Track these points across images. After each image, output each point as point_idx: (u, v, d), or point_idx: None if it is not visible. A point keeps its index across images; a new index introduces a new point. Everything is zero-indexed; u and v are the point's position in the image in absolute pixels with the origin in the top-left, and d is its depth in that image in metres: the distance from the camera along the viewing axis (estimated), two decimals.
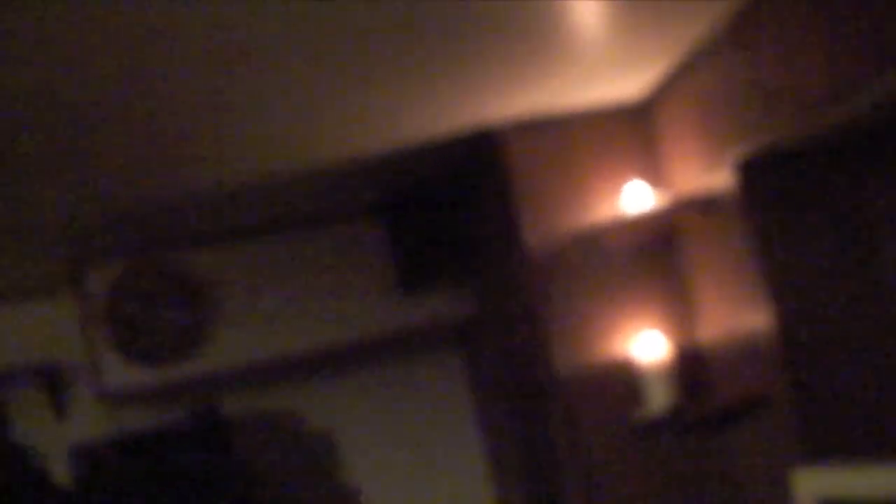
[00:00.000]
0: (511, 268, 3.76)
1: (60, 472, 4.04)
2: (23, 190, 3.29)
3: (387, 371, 4.81)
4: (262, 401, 4.66)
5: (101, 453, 4.00)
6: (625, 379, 3.46)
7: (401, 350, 4.79)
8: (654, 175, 3.61)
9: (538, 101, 3.45)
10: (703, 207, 3.32)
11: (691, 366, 3.52)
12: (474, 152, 3.82)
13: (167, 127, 2.98)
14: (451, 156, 3.91)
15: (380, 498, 4.73)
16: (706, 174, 3.30)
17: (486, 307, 4.36)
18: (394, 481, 4.74)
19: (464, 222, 4.31)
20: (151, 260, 4.34)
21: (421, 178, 4.20)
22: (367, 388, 4.78)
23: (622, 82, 3.46)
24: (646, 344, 3.43)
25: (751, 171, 3.09)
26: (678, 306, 3.57)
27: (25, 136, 2.80)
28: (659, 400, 3.37)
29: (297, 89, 2.90)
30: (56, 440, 4.27)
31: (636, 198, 3.45)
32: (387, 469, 4.74)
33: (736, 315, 3.30)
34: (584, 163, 3.59)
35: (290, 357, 4.42)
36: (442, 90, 3.14)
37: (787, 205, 3.11)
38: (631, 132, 3.65)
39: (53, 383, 4.52)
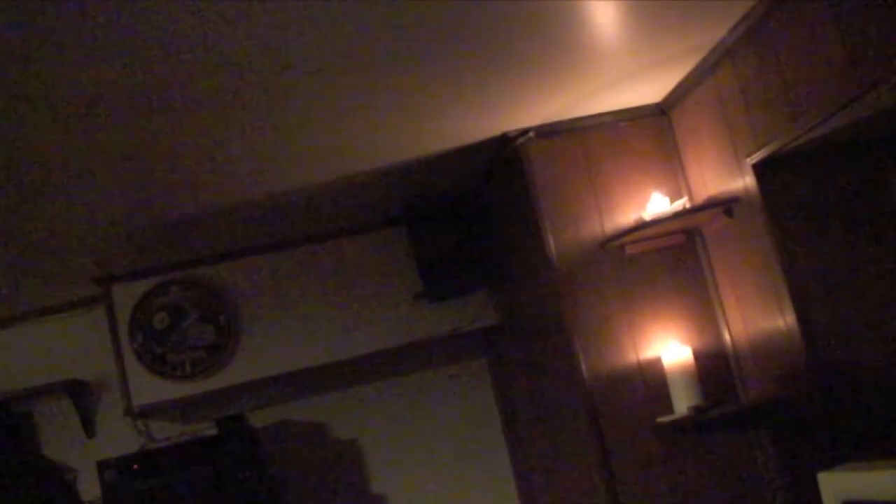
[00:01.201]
0: (535, 275, 3.78)
1: (90, 487, 4.08)
2: (50, 209, 3.34)
3: (412, 379, 4.85)
4: (288, 410, 4.70)
5: (130, 467, 4.03)
6: (650, 382, 3.48)
7: (426, 359, 4.81)
8: (676, 178, 3.64)
9: (560, 109, 3.48)
10: (724, 210, 3.34)
11: (715, 368, 3.53)
12: (498, 160, 3.85)
13: (193, 144, 3.02)
14: (476, 164, 3.94)
15: (406, 503, 4.75)
16: (726, 176, 3.32)
17: (511, 315, 4.38)
18: (419, 489, 4.76)
19: (489, 230, 4.34)
20: (178, 275, 4.39)
21: (446, 187, 4.24)
22: (393, 396, 4.81)
23: (643, 88, 3.49)
24: (670, 347, 3.44)
25: (771, 173, 3.11)
26: (701, 309, 3.58)
27: (53, 155, 2.84)
28: (683, 402, 3.38)
29: (325, 103, 2.94)
30: (85, 455, 4.32)
31: (657, 202, 3.47)
32: (413, 477, 4.77)
33: (759, 316, 3.31)
34: (607, 168, 3.62)
35: (315, 368, 4.45)
36: (467, 99, 3.18)
37: (808, 205, 3.12)
38: (652, 137, 3.68)
39: (82, 399, 4.58)
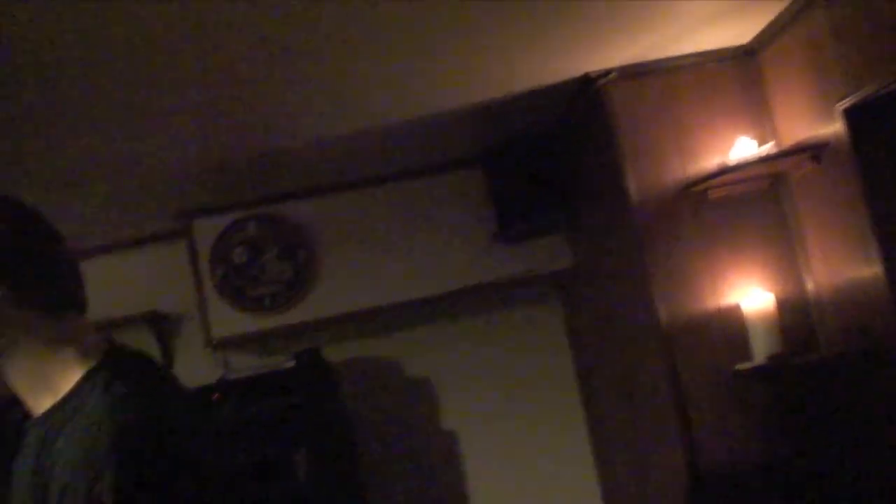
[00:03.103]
0: (614, 218, 3.75)
1: None
2: (133, 143, 3.38)
3: (485, 319, 4.85)
4: (363, 347, 4.75)
5: (209, 397, 4.12)
6: (729, 329, 3.44)
7: (500, 301, 4.82)
8: (762, 123, 3.56)
9: (644, 49, 3.42)
10: (811, 155, 3.27)
11: (796, 317, 3.48)
12: (579, 101, 3.80)
13: (274, 79, 3.02)
14: (556, 105, 3.90)
15: (477, 443, 4.80)
16: (815, 121, 3.24)
17: (587, 258, 4.36)
18: (491, 429, 4.80)
19: (566, 172, 4.30)
20: (257, 211, 4.44)
21: (523, 128, 4.20)
22: (466, 336, 4.83)
23: (730, 30, 3.40)
24: (751, 293, 3.40)
25: (860, 118, 3.02)
26: (784, 257, 3.51)
27: (135, 90, 2.87)
28: (762, 350, 3.35)
29: (407, 39, 2.91)
30: None
31: (743, 146, 3.41)
32: (484, 417, 4.80)
33: (844, 266, 3.25)
34: (690, 111, 3.55)
35: (390, 305, 4.49)
36: (549, 37, 3.13)
37: None
38: (738, 80, 3.59)
39: (162, 330, 4.67)
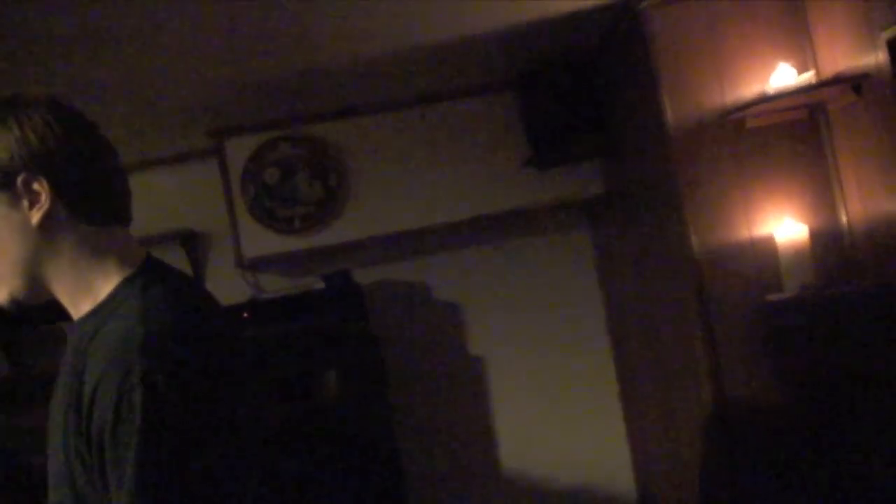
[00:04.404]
0: (649, 145, 3.72)
1: None
2: (166, 62, 3.37)
3: (515, 245, 4.85)
4: (392, 270, 4.77)
5: (239, 315, 4.16)
6: (761, 260, 3.42)
7: (530, 227, 4.81)
8: (802, 52, 3.48)
9: None
10: (852, 86, 3.21)
11: (829, 250, 3.45)
12: (616, 25, 3.74)
13: None
14: (592, 29, 3.84)
15: (502, 368, 4.83)
16: (857, 51, 3.18)
17: (620, 186, 4.33)
18: (517, 354, 4.83)
19: (602, 98, 4.26)
20: (289, 132, 4.43)
21: (560, 52, 4.14)
22: (495, 261, 4.83)
23: None
24: (784, 224, 3.37)
25: None
26: (819, 188, 3.47)
27: (166, 9, 2.85)
28: (794, 281, 3.33)
29: None
30: None
31: (783, 76, 3.35)
32: (510, 342, 4.83)
33: (880, 199, 3.21)
34: (730, 39, 3.48)
35: (420, 229, 4.50)
36: None
37: None
38: (779, 8, 3.50)
39: (194, 249, 4.70)
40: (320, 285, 4.35)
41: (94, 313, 1.53)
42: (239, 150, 4.44)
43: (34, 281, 1.54)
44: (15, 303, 1.56)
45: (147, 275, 1.57)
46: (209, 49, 3.33)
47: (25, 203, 1.49)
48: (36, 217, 1.49)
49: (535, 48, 4.04)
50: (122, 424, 1.34)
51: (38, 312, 1.64)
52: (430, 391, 4.76)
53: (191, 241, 4.68)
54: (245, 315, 4.14)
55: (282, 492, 1.65)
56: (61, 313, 1.63)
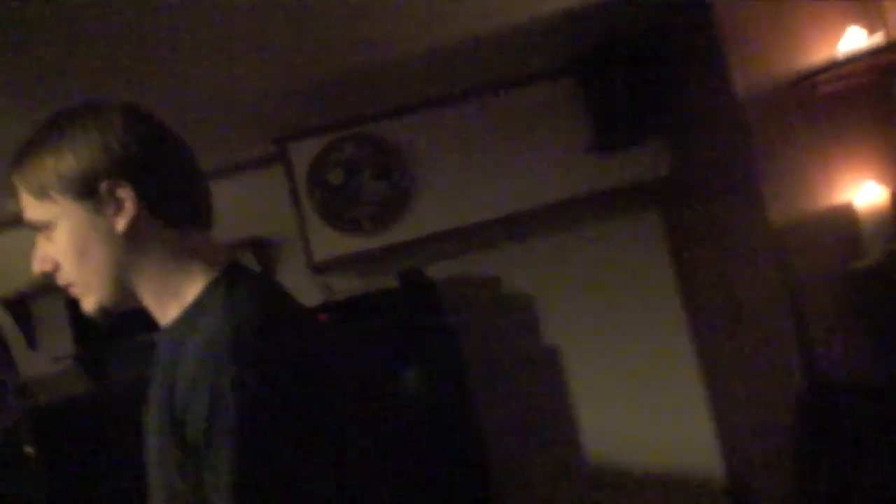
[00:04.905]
0: (719, 119, 3.64)
1: None
2: (224, 68, 3.38)
3: (584, 232, 4.80)
4: (463, 264, 4.74)
5: (317, 319, 4.16)
6: (842, 227, 3.34)
7: (598, 210, 4.75)
8: (871, 15, 3.40)
9: None
10: None
11: None
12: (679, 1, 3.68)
13: None
14: (656, 7, 3.78)
15: (579, 356, 4.78)
16: None
17: (689, 164, 4.25)
18: (592, 342, 4.77)
19: (665, 77, 4.17)
20: (351, 132, 4.43)
21: (619, 33, 4.08)
22: (565, 249, 4.78)
23: None
24: (864, 191, 3.29)
25: None
26: None
27: (229, 13, 2.86)
28: (878, 247, 3.24)
29: None
30: None
31: (852, 39, 3.27)
32: (585, 330, 4.77)
33: None
34: (797, 4, 3.40)
35: (488, 222, 4.47)
36: None
37: None
38: None
39: (264, 255, 4.72)
40: (393, 284, 4.34)
41: (182, 317, 1.53)
42: (303, 153, 4.45)
43: (121, 288, 1.54)
44: (103, 311, 1.56)
45: (232, 277, 1.56)
46: (268, 54, 3.33)
47: (110, 210, 1.49)
48: (121, 224, 1.50)
49: (597, 29, 3.98)
50: (216, 426, 1.34)
51: (121, 324, 1.65)
52: (508, 383, 4.72)
53: (261, 248, 4.70)
54: (321, 317, 4.13)
55: (373, 489, 1.63)
56: (142, 325, 1.63)
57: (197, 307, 1.52)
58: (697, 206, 4.24)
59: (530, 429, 4.73)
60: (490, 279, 4.76)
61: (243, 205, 4.68)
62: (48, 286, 4.27)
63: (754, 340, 3.84)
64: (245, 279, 1.58)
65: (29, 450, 3.29)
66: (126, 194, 1.49)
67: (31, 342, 4.52)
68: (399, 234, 4.44)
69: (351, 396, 1.64)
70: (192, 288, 1.54)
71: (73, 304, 4.32)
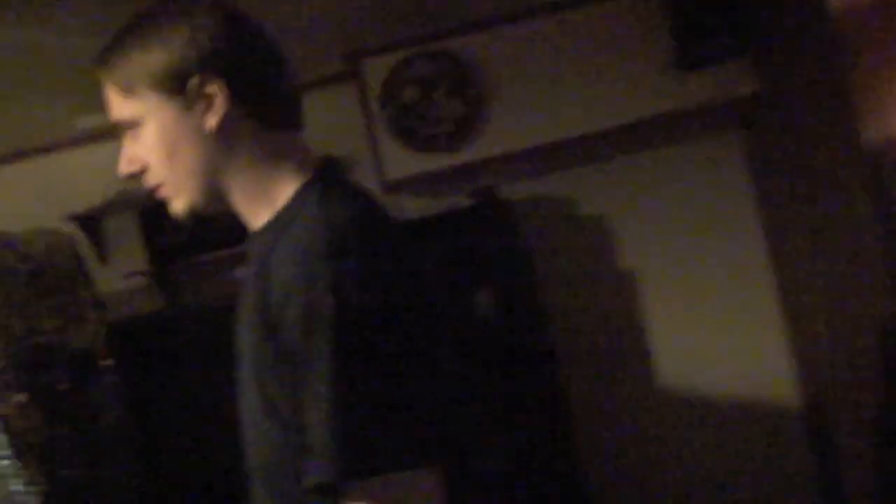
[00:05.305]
0: (809, 32, 3.49)
1: None
2: None
3: (663, 153, 4.64)
4: (537, 185, 4.64)
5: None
6: None
7: (678, 131, 4.60)
8: None
9: None
10: None
11: None
12: None
13: None
14: None
15: (655, 280, 4.69)
16: None
17: (776, 81, 4.09)
18: (668, 266, 4.67)
19: None
20: (425, 48, 4.34)
21: None
22: (643, 170, 4.65)
23: None
24: None
25: None
26: None
27: None
28: None
29: None
30: None
31: None
32: (661, 254, 4.67)
33: None
34: None
35: (565, 141, 4.37)
36: None
37: None
38: None
39: None
40: (468, 203, 4.27)
41: (274, 221, 1.49)
42: (375, 70, 4.37)
43: (212, 188, 1.50)
44: (193, 212, 1.53)
45: (325, 179, 1.52)
46: None
47: (200, 107, 1.44)
48: (212, 122, 1.45)
49: None
50: (312, 334, 1.30)
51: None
52: (581, 304, 4.64)
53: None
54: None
55: (461, 406, 1.60)
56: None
57: (289, 211, 1.48)
58: (783, 125, 4.09)
59: (604, 351, 4.67)
60: (565, 200, 4.66)
61: (316, 123, 4.56)
62: (120, 202, 4.32)
63: (840, 265, 3.72)
64: (338, 183, 1.53)
65: (107, 363, 3.31)
66: (216, 91, 1.44)
67: (103, 259, 4.54)
68: (473, 153, 4.36)
69: (438, 310, 1.60)
70: (285, 190, 1.50)
71: (145, 221, 4.38)
